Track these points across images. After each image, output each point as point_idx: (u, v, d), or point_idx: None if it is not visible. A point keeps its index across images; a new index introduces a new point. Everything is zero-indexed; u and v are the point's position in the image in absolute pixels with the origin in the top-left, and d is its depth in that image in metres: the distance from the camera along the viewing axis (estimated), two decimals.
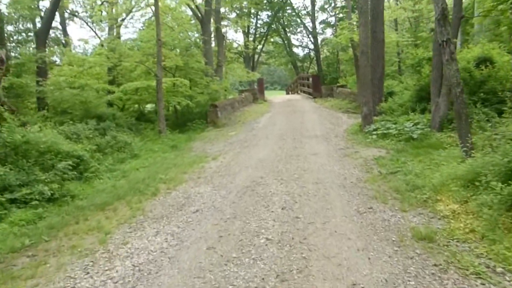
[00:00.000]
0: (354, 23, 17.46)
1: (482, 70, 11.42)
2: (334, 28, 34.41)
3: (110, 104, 17.94)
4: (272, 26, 37.27)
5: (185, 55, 21.42)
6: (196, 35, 22.68)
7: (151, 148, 13.01)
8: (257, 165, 9.42)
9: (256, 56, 37.59)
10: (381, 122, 12.97)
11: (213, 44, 23.37)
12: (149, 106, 21.51)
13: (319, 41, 37.31)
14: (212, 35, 23.23)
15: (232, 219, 5.76)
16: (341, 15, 34.06)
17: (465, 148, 6.76)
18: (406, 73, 27.93)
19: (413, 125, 11.41)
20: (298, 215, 5.69)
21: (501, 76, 11.60)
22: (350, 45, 18.43)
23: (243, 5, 28.86)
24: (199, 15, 21.52)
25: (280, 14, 37.08)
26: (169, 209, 6.65)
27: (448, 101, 10.96)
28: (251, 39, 35.18)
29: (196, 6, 21.21)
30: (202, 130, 17.15)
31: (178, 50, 20.24)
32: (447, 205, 5.66)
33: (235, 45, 35.28)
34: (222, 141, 14.01)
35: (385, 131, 11.68)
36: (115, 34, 21.43)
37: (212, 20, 22.71)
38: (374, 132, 11.88)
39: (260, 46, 37.40)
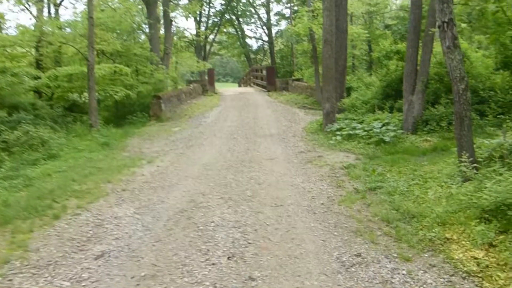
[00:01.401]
0: (313, 11, 15.59)
1: None
2: (289, 20, 32.62)
3: (37, 92, 15.16)
4: (226, 15, 34.96)
5: (127, 40, 18.85)
6: (141, 19, 20.04)
7: (76, 146, 10.52)
8: (200, 174, 7.33)
9: (208, 46, 35.14)
10: (344, 120, 11.21)
11: (162, 31, 20.88)
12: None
13: (273, 33, 35.41)
14: (161, 22, 20.71)
15: (149, 280, 3.60)
16: (296, 7, 32.28)
17: (466, 162, 4.98)
18: (359, 69, 26.69)
19: (382, 126, 9.72)
20: (253, 274, 3.61)
21: (478, 74, 10.12)
22: (309, 34, 16.53)
23: None
24: None
25: (235, 4, 34.83)
26: (63, 249, 4.42)
27: (423, 99, 9.31)
28: (203, 28, 32.71)
29: None
30: (143, 124, 14.75)
31: (117, 34, 17.55)
32: (466, 250, 3.83)
33: (186, 33, 32.75)
34: (163, 139, 11.77)
35: (350, 132, 9.90)
36: (51, 15, 18.52)
37: (159, 2, 20.18)
38: (338, 133, 10.07)
39: (212, 36, 34.96)
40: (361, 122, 10.87)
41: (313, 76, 23.52)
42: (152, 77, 16.76)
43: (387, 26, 28.38)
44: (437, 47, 9.63)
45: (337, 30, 12.50)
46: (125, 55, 17.06)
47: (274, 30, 35.65)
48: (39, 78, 14.08)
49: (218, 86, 33.70)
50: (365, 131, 9.69)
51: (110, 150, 10.56)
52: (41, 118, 11.68)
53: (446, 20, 5.25)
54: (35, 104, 12.32)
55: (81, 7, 26.55)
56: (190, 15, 30.97)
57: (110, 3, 18.44)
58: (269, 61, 35.07)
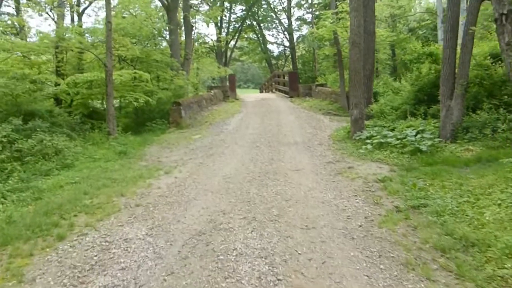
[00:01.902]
0: (338, 13, 14.82)
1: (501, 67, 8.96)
2: (310, 25, 31.84)
3: (57, 99, 14.80)
4: (247, 21, 34.40)
5: (148, 46, 18.42)
6: (162, 24, 19.59)
7: (92, 154, 10.00)
8: (221, 188, 6.64)
9: (229, 52, 34.62)
10: (374, 128, 10.40)
11: (182, 37, 20.42)
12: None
13: (294, 38, 34.66)
14: (182, 27, 20.25)
15: None
16: (317, 12, 31.50)
17: None
18: (383, 73, 25.72)
19: (416, 134, 8.87)
20: None
21: None
22: (333, 38, 15.75)
23: None
24: (165, 1, 18.51)
25: (255, 9, 34.25)
26: (62, 280, 3.78)
27: (463, 105, 8.44)
28: (224, 34, 32.21)
29: None
30: (163, 131, 14.21)
31: (137, 40, 17.11)
32: None
33: (207, 39, 32.35)
34: (183, 147, 11.17)
35: (382, 140, 9.09)
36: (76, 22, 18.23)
37: (180, 8, 19.75)
38: (368, 141, 9.28)
39: (233, 42, 34.45)
40: (392, 130, 10.05)
41: (337, 81, 22.71)
42: (172, 83, 16.23)
43: (411, 30, 27.42)
44: (476, 47, 8.76)
45: (364, 32, 11.72)
46: (145, 61, 16.60)
47: (295, 35, 34.96)
48: (59, 85, 13.70)
49: (240, 92, 33.12)
50: (398, 139, 8.86)
51: (127, 159, 10.01)
52: (58, 126, 11.22)
53: (505, 11, 4.45)
54: (52, 111, 11.86)
55: (103, 14, 26.38)
56: (211, 21, 30.66)
57: (131, 10, 18.13)
58: (291, 66, 34.34)
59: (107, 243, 4.60)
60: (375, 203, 5.54)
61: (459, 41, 8.74)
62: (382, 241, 4.24)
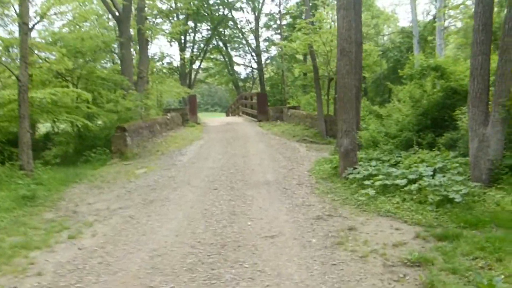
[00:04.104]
0: (314, 22, 12.27)
1: None
2: (279, 47, 29.51)
3: None
4: (212, 41, 31.72)
5: (95, 61, 15.34)
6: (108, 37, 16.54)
7: None
8: (142, 277, 3.69)
9: (194, 73, 31.69)
10: (369, 161, 7.72)
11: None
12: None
13: (263, 60, 32.20)
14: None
15: None
16: (286, 33, 29.25)
17: None
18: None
19: (434, 173, 6.22)
20: None
21: None
22: (308, 52, 13.16)
23: (174, 6, 22.82)
24: (116, 12, 15.54)
25: (222, 30, 31.67)
26: None
27: (503, 133, 5.83)
28: (188, 54, 29.36)
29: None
30: (103, 163, 11.09)
31: (81, 54, 13.97)
32: None
33: (170, 59, 29.36)
34: (118, 187, 8.18)
35: (387, 181, 6.35)
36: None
37: (132, 20, 16.82)
38: (367, 182, 6.54)
39: (198, 63, 31.57)
40: (394, 165, 7.40)
41: (311, 103, 20.16)
42: (119, 104, 13.16)
43: (382, 52, 25.44)
44: None
45: None
46: (86, 77, 13.51)
47: (263, 57, 32.51)
48: None
49: (205, 116, 30.17)
50: (409, 180, 6.16)
51: (30, 207, 6.94)
52: None
53: None
54: None
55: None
56: (173, 40, 27.82)
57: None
58: (259, 89, 31.78)
59: None
60: None
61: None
62: None
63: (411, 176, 6.26)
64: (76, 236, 5.17)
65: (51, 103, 11.52)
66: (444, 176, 5.94)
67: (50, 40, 14.65)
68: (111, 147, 11.65)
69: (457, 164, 6.35)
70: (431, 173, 6.23)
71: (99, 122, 13.79)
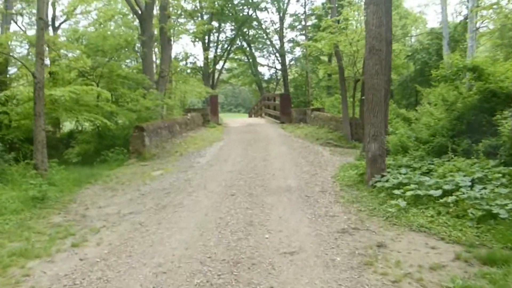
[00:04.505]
0: (340, 21, 11.63)
1: None
2: (303, 48, 28.89)
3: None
4: (236, 41, 31.33)
5: (113, 59, 15.12)
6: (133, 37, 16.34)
7: None
8: None
9: (217, 74, 31.35)
10: (398, 169, 7.12)
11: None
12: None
13: (287, 61, 31.59)
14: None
15: None
16: (311, 34, 28.58)
17: None
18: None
19: (473, 183, 5.60)
20: None
21: None
22: (333, 53, 12.57)
23: (198, 5, 22.54)
24: (138, 10, 15.33)
25: (246, 30, 31.25)
26: None
27: None
28: (211, 54, 29.07)
29: None
30: (120, 163, 10.81)
31: (102, 53, 13.76)
32: None
33: (193, 59, 29.17)
34: (132, 189, 7.83)
35: (419, 192, 5.75)
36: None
37: (155, 18, 16.61)
38: (397, 192, 5.95)
39: (221, 63, 31.24)
40: (426, 173, 6.78)
41: (335, 106, 19.52)
42: (138, 103, 12.87)
43: (408, 55, 24.50)
44: None
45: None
46: (107, 76, 13.28)
47: (288, 58, 31.90)
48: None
49: (227, 117, 29.82)
50: (444, 191, 5.55)
51: (40, 208, 6.67)
52: None
53: None
54: None
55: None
56: (197, 40, 27.57)
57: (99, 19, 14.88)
58: (283, 90, 31.20)
59: None
60: None
61: None
62: None
63: (446, 187, 5.64)
64: (80, 244, 4.79)
65: (70, 101, 11.35)
66: (485, 188, 5.33)
67: (72, 38, 14.58)
68: (129, 147, 11.37)
69: (500, 175, 5.69)
70: (469, 183, 5.62)
71: (119, 121, 13.54)
